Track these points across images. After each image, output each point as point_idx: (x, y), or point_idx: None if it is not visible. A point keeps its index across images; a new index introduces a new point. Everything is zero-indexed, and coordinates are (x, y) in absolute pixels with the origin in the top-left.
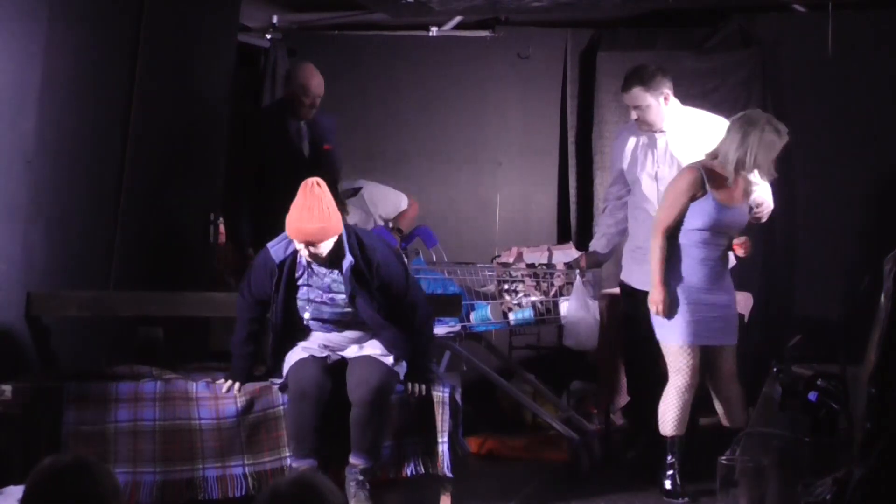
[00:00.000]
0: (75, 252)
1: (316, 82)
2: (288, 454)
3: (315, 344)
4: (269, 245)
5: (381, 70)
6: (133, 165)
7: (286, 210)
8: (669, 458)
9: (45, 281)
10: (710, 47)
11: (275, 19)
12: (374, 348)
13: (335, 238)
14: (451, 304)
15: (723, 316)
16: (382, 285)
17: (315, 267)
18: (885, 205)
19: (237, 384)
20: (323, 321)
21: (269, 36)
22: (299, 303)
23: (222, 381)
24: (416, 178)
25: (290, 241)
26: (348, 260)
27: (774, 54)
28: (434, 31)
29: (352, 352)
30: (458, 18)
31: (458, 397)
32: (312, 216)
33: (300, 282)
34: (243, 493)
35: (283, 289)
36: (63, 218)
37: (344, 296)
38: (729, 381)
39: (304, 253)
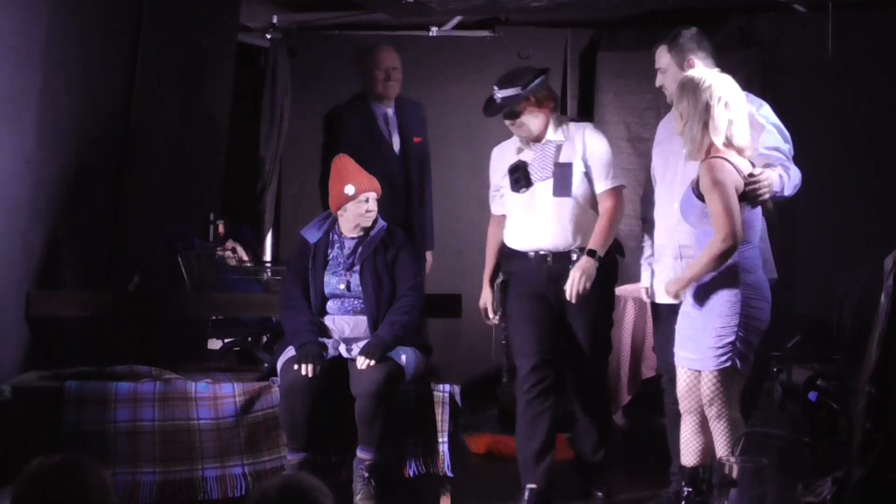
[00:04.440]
0: (75, 252)
1: (386, 53)
2: (287, 454)
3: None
4: (301, 232)
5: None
6: (133, 165)
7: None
8: (685, 490)
9: (45, 281)
10: None
11: (275, 19)
12: None
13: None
14: (451, 305)
15: (684, 329)
16: (393, 266)
17: (346, 240)
18: (885, 204)
19: (313, 366)
20: (339, 298)
21: (269, 36)
22: (325, 277)
23: (296, 367)
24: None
25: (323, 223)
26: (381, 224)
27: (774, 54)
28: (434, 31)
29: (359, 346)
30: (458, 18)
31: (458, 397)
32: (362, 170)
33: (330, 257)
34: (243, 493)
35: (318, 267)
36: (63, 218)
37: (359, 276)
38: (706, 409)
39: (361, 212)
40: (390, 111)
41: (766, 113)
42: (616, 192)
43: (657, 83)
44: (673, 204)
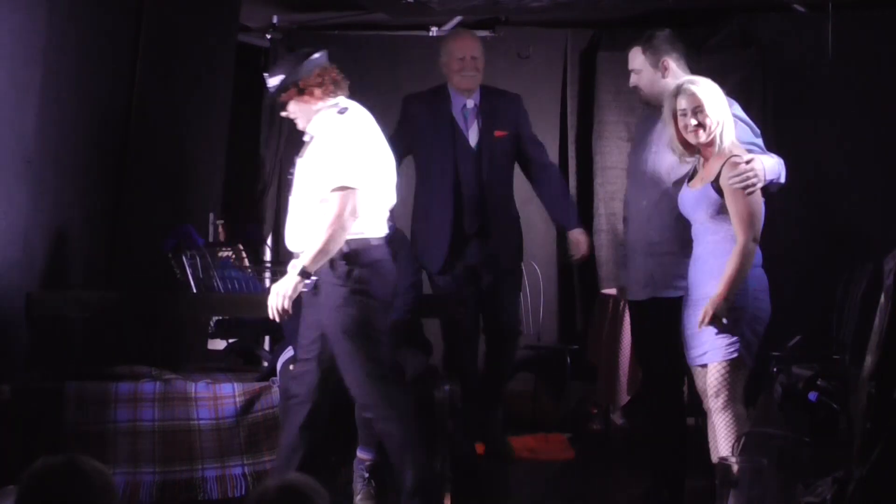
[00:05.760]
0: (75, 252)
1: (460, 42)
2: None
3: None
4: None
5: (381, 70)
6: (133, 165)
7: (442, 207)
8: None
9: (45, 281)
10: (710, 47)
11: (275, 19)
12: None
13: None
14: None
15: (692, 328)
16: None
17: None
18: (885, 204)
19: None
20: None
21: (269, 36)
22: None
23: (291, 367)
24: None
25: None
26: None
27: (774, 54)
28: (434, 31)
29: None
30: (458, 18)
31: (457, 398)
32: None
33: None
34: (242, 493)
35: None
36: (63, 218)
37: None
38: (711, 401)
39: None
40: (471, 102)
41: (736, 111)
42: (337, 196)
43: (631, 83)
44: (642, 201)
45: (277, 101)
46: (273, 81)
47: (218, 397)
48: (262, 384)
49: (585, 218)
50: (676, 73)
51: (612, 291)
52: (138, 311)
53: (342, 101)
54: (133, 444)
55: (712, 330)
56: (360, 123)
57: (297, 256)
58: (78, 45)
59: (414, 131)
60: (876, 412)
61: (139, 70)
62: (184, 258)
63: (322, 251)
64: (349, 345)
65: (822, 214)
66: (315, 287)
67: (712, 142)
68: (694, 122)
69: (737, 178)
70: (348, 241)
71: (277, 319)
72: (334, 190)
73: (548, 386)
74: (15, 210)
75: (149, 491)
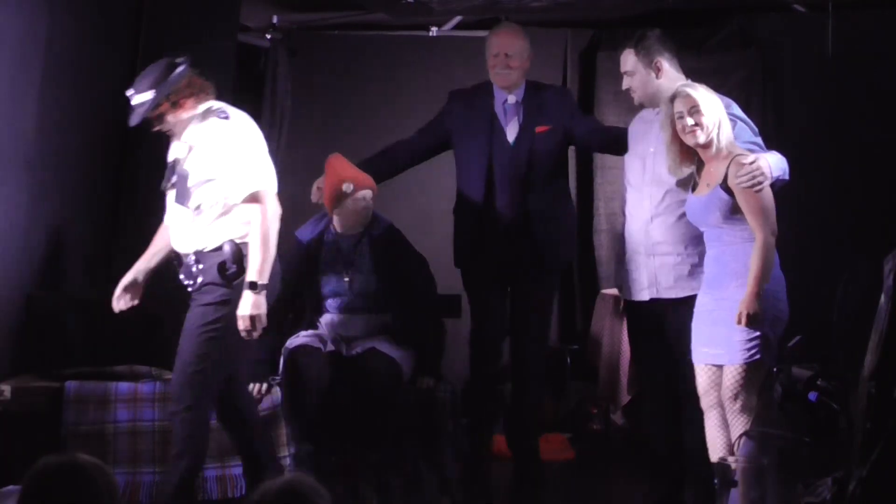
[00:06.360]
0: (75, 252)
1: (496, 38)
2: (287, 455)
3: (316, 335)
4: (296, 232)
5: (381, 70)
6: (133, 165)
7: (473, 203)
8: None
9: (45, 281)
10: (710, 47)
11: (275, 19)
12: (381, 342)
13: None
14: (451, 305)
15: (704, 326)
16: (401, 265)
17: (342, 239)
18: (884, 205)
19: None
20: (339, 297)
21: (269, 36)
22: (324, 276)
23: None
24: (416, 179)
25: (318, 222)
26: (384, 222)
27: (774, 54)
28: (434, 31)
29: (358, 345)
30: (458, 18)
31: (458, 397)
32: (356, 168)
33: (327, 257)
34: (242, 493)
35: (313, 266)
36: (63, 219)
37: (363, 274)
38: (730, 403)
39: (358, 209)
40: (512, 98)
41: (735, 111)
42: (255, 200)
43: (624, 86)
44: (644, 202)
45: (150, 118)
46: (143, 98)
47: None
48: (262, 384)
49: (585, 217)
50: (670, 74)
51: (613, 291)
52: (138, 311)
53: (213, 104)
54: (133, 444)
55: (730, 330)
56: (247, 127)
57: (186, 258)
58: (78, 46)
59: (450, 126)
60: (876, 412)
61: (139, 70)
62: None
63: (264, 259)
64: (193, 335)
65: (821, 214)
66: (200, 285)
67: (710, 143)
68: (691, 121)
69: (745, 177)
70: (241, 245)
71: (255, 336)
72: (249, 198)
73: (548, 386)
74: (15, 210)
75: (149, 491)
